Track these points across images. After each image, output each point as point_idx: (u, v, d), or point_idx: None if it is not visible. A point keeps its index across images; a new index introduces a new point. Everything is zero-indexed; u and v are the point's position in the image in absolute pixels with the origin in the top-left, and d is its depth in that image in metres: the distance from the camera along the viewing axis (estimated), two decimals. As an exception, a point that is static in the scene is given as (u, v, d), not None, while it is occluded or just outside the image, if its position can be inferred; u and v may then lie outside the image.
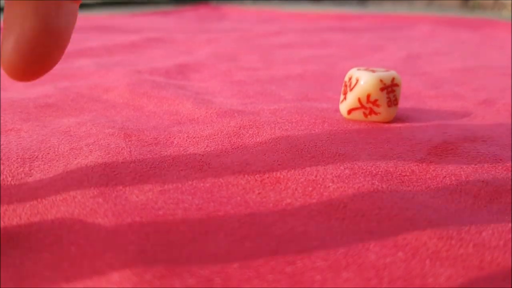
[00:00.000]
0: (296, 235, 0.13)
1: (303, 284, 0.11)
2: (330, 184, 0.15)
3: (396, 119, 0.23)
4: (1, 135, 0.20)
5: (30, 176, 0.16)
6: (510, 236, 0.12)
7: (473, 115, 0.24)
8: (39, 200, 0.15)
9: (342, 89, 0.23)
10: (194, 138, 0.20)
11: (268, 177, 0.16)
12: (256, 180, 0.16)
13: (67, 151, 0.19)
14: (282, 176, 0.16)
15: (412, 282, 0.11)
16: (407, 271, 0.11)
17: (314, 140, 0.19)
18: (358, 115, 0.22)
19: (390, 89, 0.21)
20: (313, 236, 0.13)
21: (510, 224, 0.13)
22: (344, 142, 0.19)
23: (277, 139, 0.19)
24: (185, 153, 0.18)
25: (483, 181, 0.16)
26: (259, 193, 0.15)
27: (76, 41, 0.50)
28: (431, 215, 0.13)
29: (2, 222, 0.13)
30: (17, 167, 0.17)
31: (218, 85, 0.31)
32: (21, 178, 0.16)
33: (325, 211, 0.14)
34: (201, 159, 0.18)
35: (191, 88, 0.29)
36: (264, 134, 0.20)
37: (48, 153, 0.18)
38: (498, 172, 0.16)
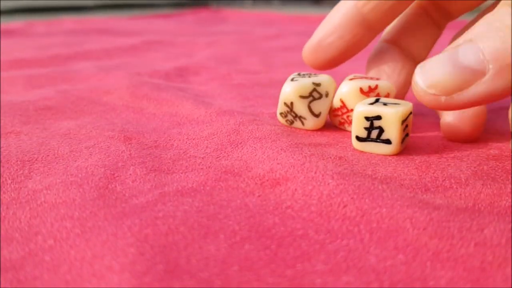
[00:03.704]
0: (296, 238, 0.13)
1: (303, 287, 0.11)
2: (330, 180, 0.15)
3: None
4: (1, 138, 0.20)
5: (30, 179, 0.16)
6: (511, 234, 0.12)
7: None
8: (38, 202, 0.15)
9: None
10: (193, 139, 0.20)
11: (267, 179, 0.16)
12: (256, 183, 0.16)
13: (66, 153, 0.19)
14: (281, 177, 0.16)
15: (413, 286, 0.11)
16: (408, 274, 0.11)
17: (314, 142, 0.19)
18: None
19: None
20: (313, 239, 0.13)
21: (510, 225, 0.13)
22: (343, 145, 0.19)
23: (276, 135, 0.19)
24: (185, 156, 0.18)
25: (483, 184, 0.16)
26: (259, 196, 0.15)
27: (76, 44, 0.50)
28: (431, 213, 0.13)
29: (2, 225, 0.13)
30: (17, 170, 0.17)
31: (217, 88, 0.31)
32: (20, 181, 0.16)
33: (325, 212, 0.14)
34: (201, 162, 0.18)
35: (191, 91, 0.29)
36: (263, 130, 0.20)
37: (48, 156, 0.18)
38: (498, 175, 0.16)
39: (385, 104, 0.18)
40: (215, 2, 1.23)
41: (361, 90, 0.20)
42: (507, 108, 0.26)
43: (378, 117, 0.18)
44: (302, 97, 0.20)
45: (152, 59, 0.43)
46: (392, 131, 0.18)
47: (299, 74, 0.21)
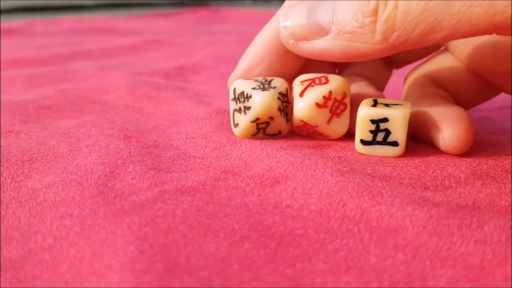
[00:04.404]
0: (295, 237, 0.13)
1: (303, 287, 0.11)
2: (330, 178, 0.15)
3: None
4: (1, 137, 0.20)
5: (30, 178, 0.16)
6: (511, 232, 0.12)
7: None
8: (38, 201, 0.15)
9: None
10: (193, 138, 0.20)
11: (267, 178, 0.16)
12: (255, 182, 0.16)
13: (66, 152, 0.19)
14: (280, 175, 0.16)
15: (413, 285, 0.11)
16: (408, 274, 0.11)
17: (313, 143, 0.19)
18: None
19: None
20: (312, 238, 0.13)
21: (510, 223, 0.13)
22: (342, 145, 0.19)
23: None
24: (184, 155, 0.18)
25: (482, 183, 0.16)
26: (258, 195, 0.15)
27: (75, 43, 0.50)
28: (431, 210, 0.13)
29: (1, 224, 0.13)
30: (17, 169, 0.17)
31: (217, 88, 0.31)
32: (20, 180, 0.16)
33: (325, 211, 0.14)
34: (200, 162, 0.18)
35: (191, 90, 0.29)
36: None
37: (48, 155, 0.18)
38: (498, 174, 0.16)
39: (386, 105, 0.18)
40: (215, 1, 1.23)
41: (318, 105, 0.18)
42: (507, 108, 0.26)
43: (385, 119, 0.17)
44: (254, 135, 0.19)
45: (152, 58, 0.43)
46: (400, 132, 0.17)
47: (235, 99, 0.19)
